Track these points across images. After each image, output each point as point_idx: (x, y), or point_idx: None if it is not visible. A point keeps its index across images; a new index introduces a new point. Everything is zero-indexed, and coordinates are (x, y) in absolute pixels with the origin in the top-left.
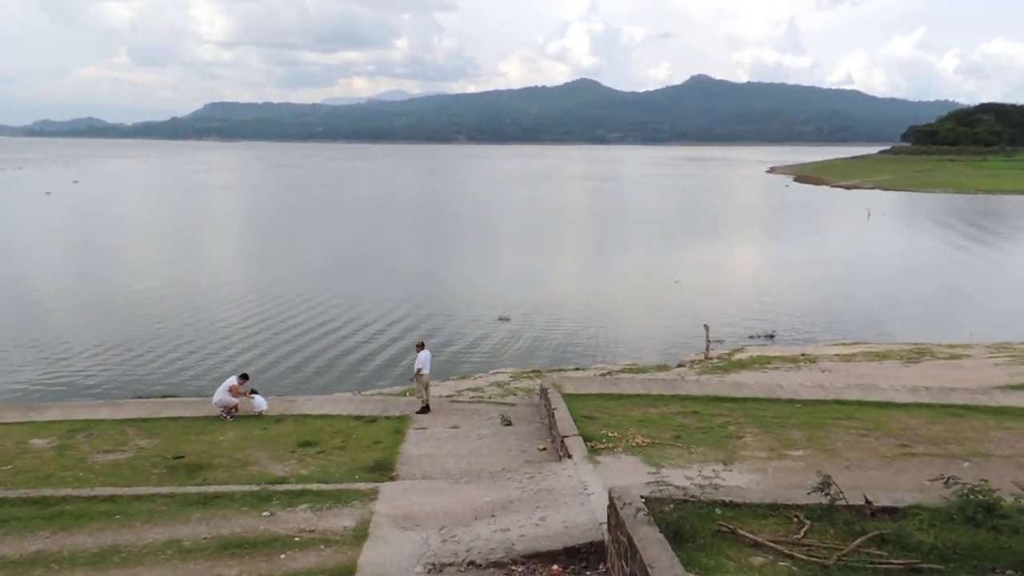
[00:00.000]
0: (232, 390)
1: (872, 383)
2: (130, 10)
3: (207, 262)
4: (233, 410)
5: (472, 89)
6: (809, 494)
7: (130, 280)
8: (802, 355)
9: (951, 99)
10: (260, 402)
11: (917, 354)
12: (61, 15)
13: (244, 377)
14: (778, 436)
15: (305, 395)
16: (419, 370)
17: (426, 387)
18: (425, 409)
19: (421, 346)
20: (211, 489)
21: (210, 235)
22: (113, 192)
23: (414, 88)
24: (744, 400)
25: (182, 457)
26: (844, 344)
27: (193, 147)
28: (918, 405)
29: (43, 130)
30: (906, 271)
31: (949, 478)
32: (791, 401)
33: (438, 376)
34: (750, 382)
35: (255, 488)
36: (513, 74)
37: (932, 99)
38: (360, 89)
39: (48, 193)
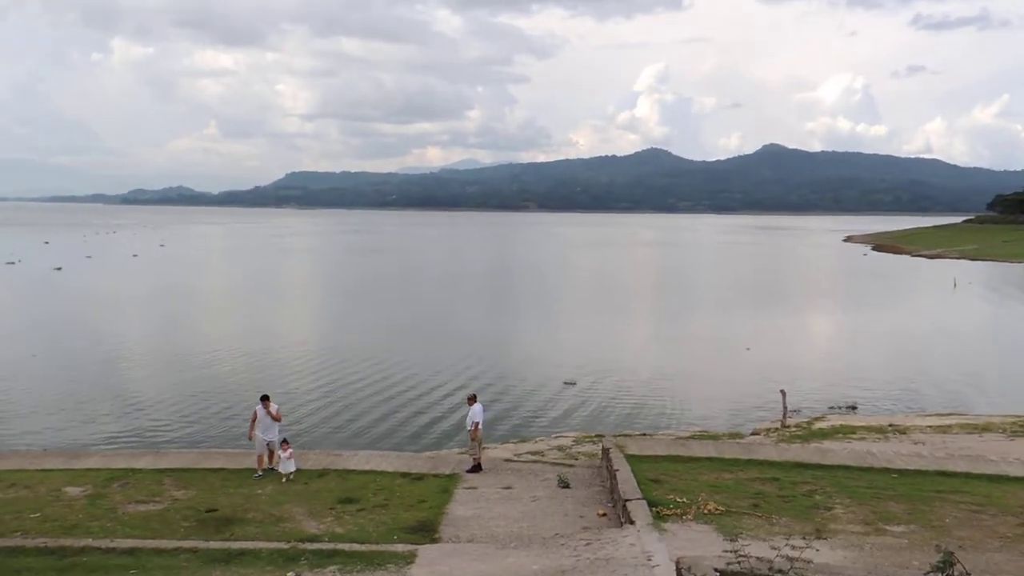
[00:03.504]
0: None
1: (979, 455)
2: (221, 85)
3: (281, 320)
4: (261, 463)
5: (543, 158)
6: (927, 574)
7: (204, 335)
8: (890, 425)
9: None
10: (288, 465)
11: (1022, 427)
12: (159, 90)
13: (265, 399)
14: (874, 509)
15: (351, 450)
16: (476, 424)
17: (480, 443)
18: (477, 467)
19: (474, 399)
20: (236, 545)
21: (284, 295)
22: (195, 254)
23: (486, 157)
24: (831, 468)
25: (215, 510)
26: (938, 415)
27: (273, 214)
28: None
29: (136, 198)
30: (999, 342)
31: None
32: (886, 470)
33: (497, 439)
34: (836, 449)
35: (284, 546)
36: (583, 143)
37: (1018, 168)
38: (433, 158)
39: (135, 255)
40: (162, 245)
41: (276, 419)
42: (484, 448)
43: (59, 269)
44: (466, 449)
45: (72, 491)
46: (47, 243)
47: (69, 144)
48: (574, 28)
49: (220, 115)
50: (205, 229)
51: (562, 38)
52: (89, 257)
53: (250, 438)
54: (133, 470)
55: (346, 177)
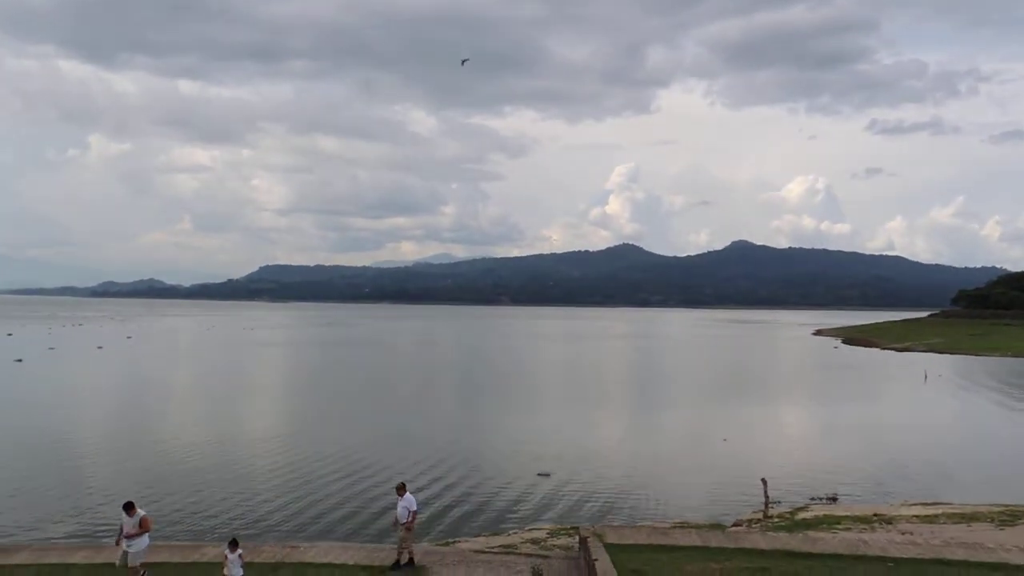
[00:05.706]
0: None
1: (976, 542)
2: (197, 181)
3: (243, 410)
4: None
5: (516, 253)
6: None
7: (162, 427)
8: (875, 515)
9: (998, 265)
10: (236, 570)
11: (1011, 516)
12: (134, 185)
13: (130, 507)
14: None
15: (309, 542)
16: (414, 513)
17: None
18: (410, 562)
19: (403, 488)
20: None
21: (249, 385)
22: (161, 345)
23: (460, 252)
24: (822, 556)
25: None
26: (923, 504)
27: (245, 307)
28: None
29: (106, 291)
30: (972, 433)
31: None
32: (881, 559)
33: (469, 532)
34: (827, 537)
35: None
36: (556, 239)
37: (978, 265)
38: (408, 252)
39: (100, 347)
40: (129, 337)
41: (128, 536)
42: (445, 543)
43: (19, 361)
44: (400, 544)
45: None
46: (10, 335)
47: (41, 237)
48: (546, 130)
49: (194, 209)
50: (174, 322)
51: (534, 138)
52: (52, 349)
53: (117, 544)
54: (67, 565)
55: (320, 270)
